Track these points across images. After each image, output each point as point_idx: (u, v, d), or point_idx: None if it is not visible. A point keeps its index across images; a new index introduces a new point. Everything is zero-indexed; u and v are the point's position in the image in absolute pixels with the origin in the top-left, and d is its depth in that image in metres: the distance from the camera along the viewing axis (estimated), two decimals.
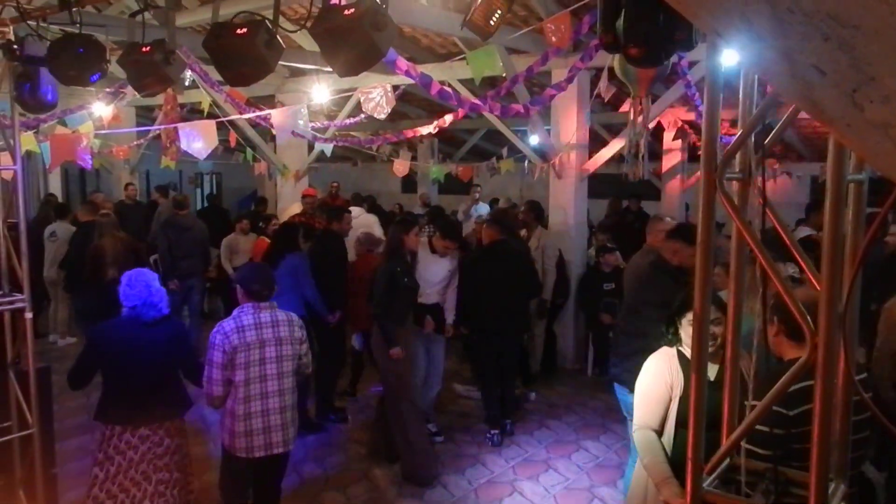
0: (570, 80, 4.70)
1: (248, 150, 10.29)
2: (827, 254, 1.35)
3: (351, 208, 7.46)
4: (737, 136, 1.49)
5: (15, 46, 3.24)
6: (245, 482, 3.95)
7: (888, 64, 0.68)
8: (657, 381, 3.01)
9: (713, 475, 1.70)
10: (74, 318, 8.06)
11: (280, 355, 3.72)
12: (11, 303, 3.63)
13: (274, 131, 6.45)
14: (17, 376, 3.85)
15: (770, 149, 1.67)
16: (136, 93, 3.43)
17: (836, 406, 1.70)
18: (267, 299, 3.77)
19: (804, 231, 6.77)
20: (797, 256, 1.59)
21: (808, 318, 1.46)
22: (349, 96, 8.19)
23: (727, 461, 1.77)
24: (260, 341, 3.65)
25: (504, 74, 5.98)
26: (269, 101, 9.37)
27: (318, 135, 7.99)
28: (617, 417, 5.96)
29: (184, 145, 5.07)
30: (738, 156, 1.62)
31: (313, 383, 5.90)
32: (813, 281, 1.51)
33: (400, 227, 5.25)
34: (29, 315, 3.71)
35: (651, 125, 6.42)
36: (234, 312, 3.74)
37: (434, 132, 6.20)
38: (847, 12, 0.68)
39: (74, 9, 3.00)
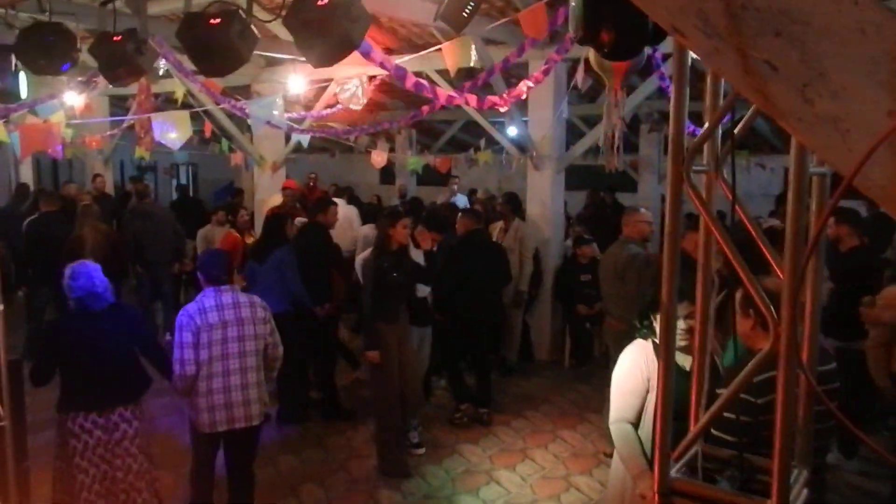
0: (545, 72, 4.72)
1: (225, 140, 10.19)
2: (789, 245, 1.38)
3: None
4: (704, 128, 1.52)
5: None
6: (212, 463, 4.05)
7: (837, 60, 0.70)
8: (633, 374, 3.05)
9: (680, 462, 1.73)
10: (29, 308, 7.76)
11: (242, 335, 3.87)
12: None
13: (249, 121, 6.38)
14: None
15: (738, 140, 1.70)
16: (108, 82, 3.39)
17: (799, 394, 1.74)
18: (227, 283, 3.94)
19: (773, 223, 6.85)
20: (762, 248, 1.62)
21: (772, 308, 1.49)
22: (326, 86, 8.15)
23: (695, 449, 1.80)
24: (222, 322, 3.82)
25: (480, 66, 5.98)
26: (245, 92, 9.28)
27: (295, 125, 7.93)
28: (594, 408, 6.03)
29: (157, 136, 5.01)
30: (706, 148, 1.64)
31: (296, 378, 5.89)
32: (777, 271, 1.54)
33: (387, 221, 5.17)
34: (0, 306, 3.66)
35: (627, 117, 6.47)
36: (198, 296, 3.92)
37: (411, 123, 6.18)
38: (798, 9, 0.70)
39: None
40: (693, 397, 1.81)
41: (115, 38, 2.80)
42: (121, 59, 2.84)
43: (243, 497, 4.09)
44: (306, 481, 4.89)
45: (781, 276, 1.50)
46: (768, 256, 1.57)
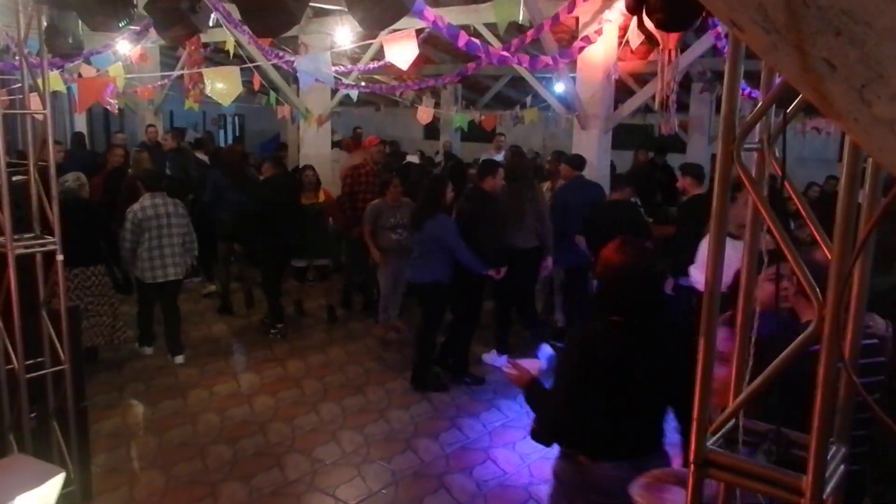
0: (599, 32, 4.62)
1: (272, 92, 10.25)
2: (839, 229, 1.37)
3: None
4: (757, 106, 1.50)
5: None
6: (152, 303, 6.35)
7: None
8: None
9: (718, 434, 1.76)
10: None
11: (170, 223, 6.10)
12: (43, 245, 3.74)
13: (298, 75, 6.40)
14: (50, 315, 4.00)
15: (791, 116, 1.66)
16: (164, 40, 3.44)
17: (841, 371, 1.73)
18: (160, 190, 6.14)
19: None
20: (810, 225, 1.61)
21: (818, 290, 1.49)
22: (373, 38, 8.09)
23: (733, 422, 1.82)
24: (157, 215, 6.04)
25: (528, 21, 5.88)
26: (293, 43, 9.29)
27: (342, 79, 7.93)
28: None
29: (208, 90, 5.07)
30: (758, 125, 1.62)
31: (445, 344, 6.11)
32: (825, 249, 1.53)
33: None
34: (60, 257, 3.82)
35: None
36: (140, 199, 6.08)
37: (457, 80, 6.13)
38: (860, 9, 0.69)
39: None
40: (734, 371, 1.83)
41: None
42: (176, 17, 2.89)
43: (174, 326, 6.35)
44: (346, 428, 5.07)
45: (828, 253, 1.49)
46: (817, 237, 1.56)
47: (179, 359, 6.26)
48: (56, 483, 2.11)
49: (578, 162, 6.83)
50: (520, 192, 6.15)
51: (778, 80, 1.49)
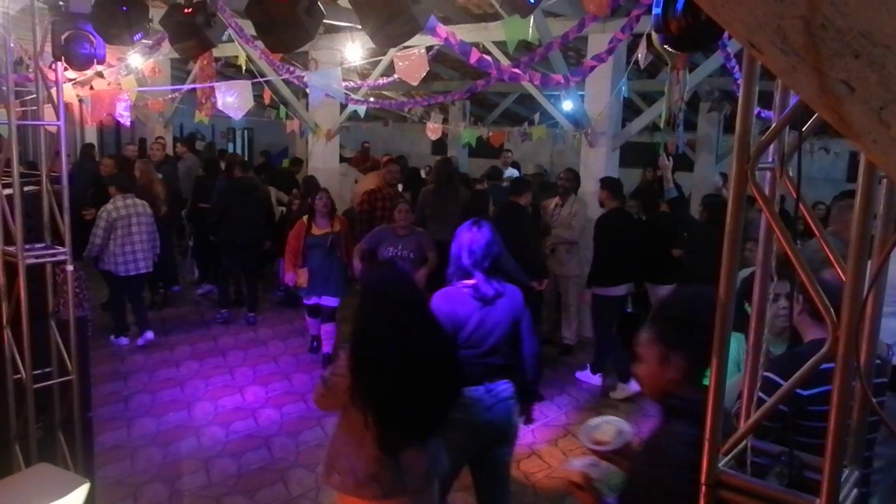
0: (610, 51, 4.64)
1: (281, 107, 10.30)
2: (854, 249, 1.36)
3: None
4: (773, 125, 1.50)
5: (60, 2, 3.29)
6: (122, 295, 6.94)
7: None
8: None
9: (729, 455, 1.75)
10: None
11: (139, 222, 6.79)
12: (53, 255, 3.75)
13: (308, 91, 6.44)
14: (58, 325, 4.00)
15: (806, 136, 1.67)
16: (178, 54, 3.47)
17: (855, 394, 1.72)
18: (129, 192, 6.82)
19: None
20: (825, 246, 1.60)
21: (832, 311, 1.48)
22: (382, 54, 8.14)
23: (745, 443, 1.81)
24: (128, 214, 6.70)
25: (537, 39, 5.90)
26: (303, 58, 9.36)
27: (352, 95, 7.98)
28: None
29: (220, 104, 5.11)
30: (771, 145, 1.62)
31: None
32: (839, 271, 1.52)
33: None
34: (70, 267, 3.84)
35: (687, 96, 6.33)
36: (112, 199, 6.72)
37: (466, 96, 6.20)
38: (880, 32, 0.70)
39: None
40: (745, 391, 1.82)
41: (185, 11, 2.87)
42: (191, 31, 2.91)
43: (141, 310, 7.05)
44: None
45: (842, 275, 1.49)
46: (830, 256, 1.55)
47: (149, 334, 6.91)
48: (81, 494, 2.10)
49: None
50: (445, 196, 7.14)
51: (792, 100, 1.50)
